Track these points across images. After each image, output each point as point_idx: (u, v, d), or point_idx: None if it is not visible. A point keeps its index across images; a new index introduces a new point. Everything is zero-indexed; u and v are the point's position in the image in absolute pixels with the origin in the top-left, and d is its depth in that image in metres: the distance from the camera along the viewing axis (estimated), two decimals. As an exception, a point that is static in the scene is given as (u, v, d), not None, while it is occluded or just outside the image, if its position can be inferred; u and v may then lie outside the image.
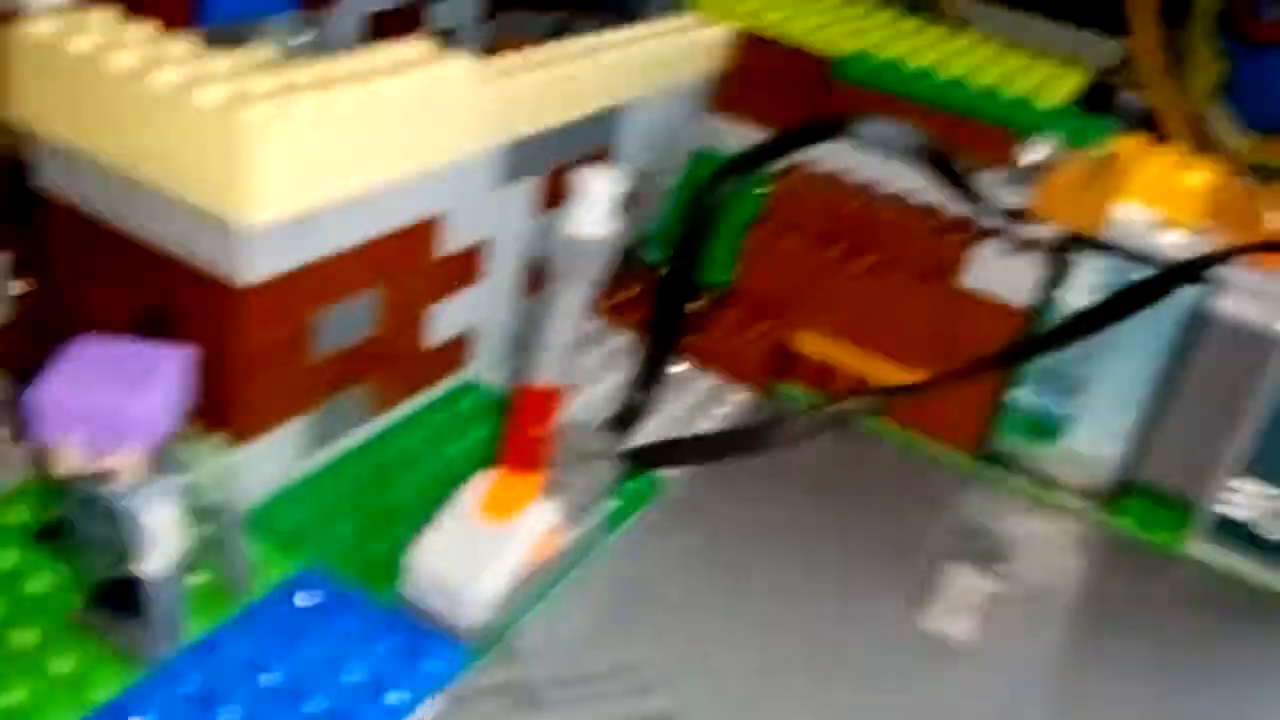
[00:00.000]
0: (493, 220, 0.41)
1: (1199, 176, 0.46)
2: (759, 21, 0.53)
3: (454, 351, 0.42)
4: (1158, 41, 0.85)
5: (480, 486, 0.33)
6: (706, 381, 0.48)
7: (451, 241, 0.39)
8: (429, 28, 0.67)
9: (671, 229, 0.56)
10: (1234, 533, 0.44)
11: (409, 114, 0.33)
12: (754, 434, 0.40)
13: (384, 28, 0.64)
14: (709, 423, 0.46)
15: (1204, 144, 0.85)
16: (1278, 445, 0.42)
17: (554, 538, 0.34)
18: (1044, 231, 0.44)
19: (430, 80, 0.34)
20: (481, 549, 0.32)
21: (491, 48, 0.41)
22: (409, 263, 0.37)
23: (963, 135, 0.47)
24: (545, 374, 0.31)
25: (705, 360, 0.49)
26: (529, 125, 0.40)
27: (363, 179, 0.32)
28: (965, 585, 0.40)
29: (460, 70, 0.35)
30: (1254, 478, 0.43)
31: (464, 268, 0.40)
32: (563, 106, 0.42)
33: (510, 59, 0.41)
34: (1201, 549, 0.45)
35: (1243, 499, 0.44)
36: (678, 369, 0.48)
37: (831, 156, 0.49)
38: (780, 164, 0.48)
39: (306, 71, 0.31)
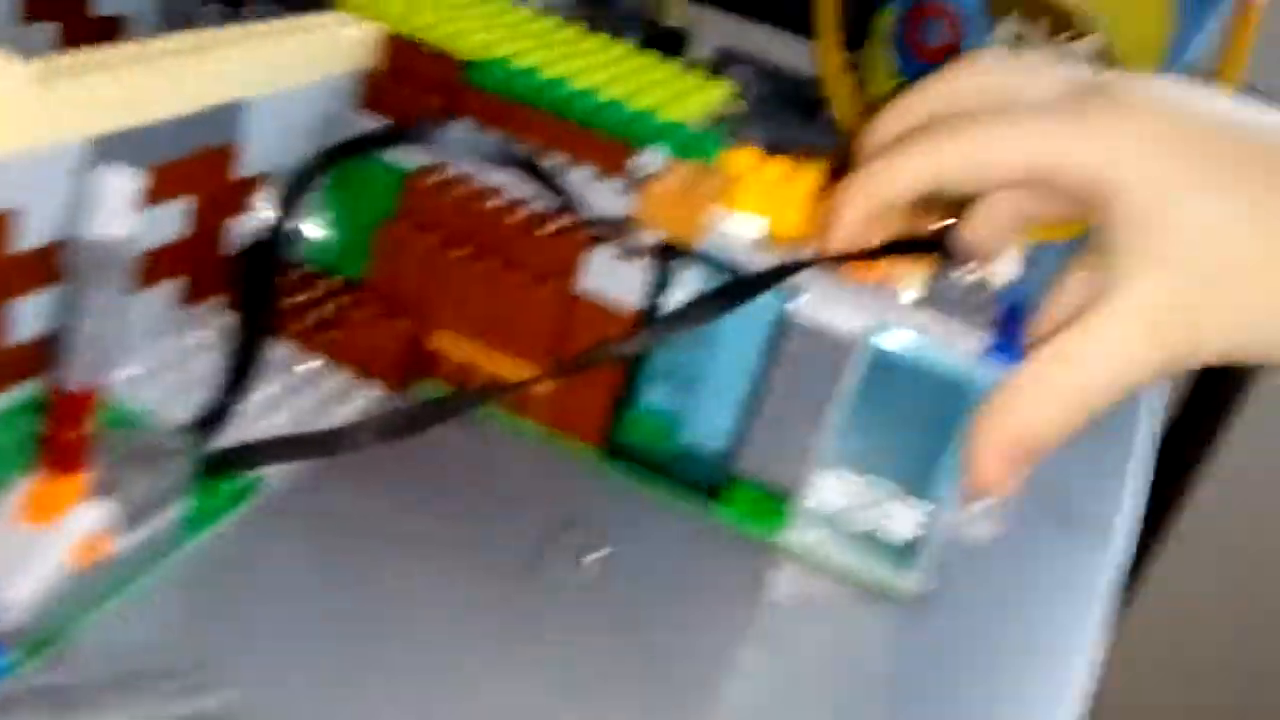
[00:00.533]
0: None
1: (803, 186, 0.49)
2: (406, 24, 0.54)
3: (38, 352, 0.41)
4: (841, 58, 0.90)
5: (20, 490, 0.33)
6: (338, 379, 0.49)
7: (26, 238, 0.38)
8: (92, 11, 0.65)
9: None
10: (825, 524, 0.48)
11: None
12: (344, 431, 0.41)
13: (38, 11, 0.62)
14: (332, 421, 0.46)
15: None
16: (854, 444, 0.46)
17: (104, 540, 0.34)
18: (648, 239, 0.46)
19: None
20: (16, 552, 0.32)
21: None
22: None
23: (581, 146, 0.49)
24: (77, 376, 0.31)
25: (339, 356, 0.49)
26: (114, 121, 0.39)
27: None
28: (557, 574, 0.42)
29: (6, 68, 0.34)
30: (833, 470, 0.47)
31: (44, 265, 0.39)
32: (163, 101, 0.42)
33: (104, 53, 0.40)
34: (796, 540, 0.48)
35: (831, 491, 0.47)
36: (309, 365, 0.49)
37: (450, 154, 0.50)
38: (414, 160, 0.49)
39: None
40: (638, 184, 0.47)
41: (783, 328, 0.46)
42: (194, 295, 0.48)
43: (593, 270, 0.47)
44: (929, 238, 0.47)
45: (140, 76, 0.40)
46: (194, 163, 0.44)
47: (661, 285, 0.47)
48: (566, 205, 0.47)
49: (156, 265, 0.45)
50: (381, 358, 0.49)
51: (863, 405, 0.46)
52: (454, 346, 0.50)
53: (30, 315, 0.40)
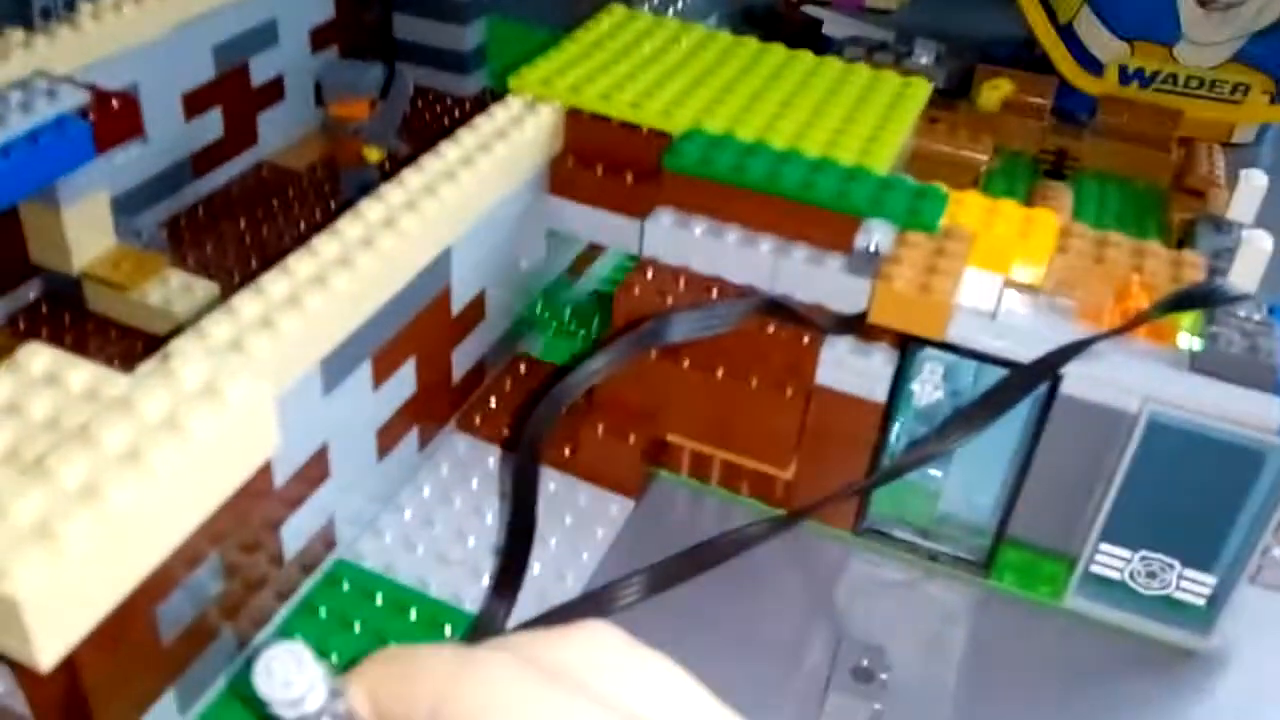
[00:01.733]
0: (331, 424, 0.40)
1: (1045, 237, 0.45)
2: (580, 97, 0.51)
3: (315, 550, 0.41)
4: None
5: None
6: (584, 493, 0.48)
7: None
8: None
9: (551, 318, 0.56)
10: (1109, 589, 0.46)
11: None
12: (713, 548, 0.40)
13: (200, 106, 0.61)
14: (601, 533, 0.46)
15: (1079, 53, 0.83)
16: (1133, 515, 0.43)
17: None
18: (890, 331, 0.43)
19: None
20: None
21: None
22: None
23: (797, 223, 0.46)
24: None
25: (578, 472, 0.49)
26: (342, 334, 0.39)
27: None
28: (845, 701, 0.42)
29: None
30: (1114, 543, 0.44)
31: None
32: (382, 288, 0.40)
33: (310, 258, 0.39)
34: (1077, 602, 0.46)
35: (1109, 559, 0.45)
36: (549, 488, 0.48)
37: (667, 251, 0.47)
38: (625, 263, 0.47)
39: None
40: (867, 261, 0.44)
41: (1055, 398, 0.43)
42: (427, 437, 0.48)
43: (830, 366, 0.45)
44: (1203, 290, 0.42)
45: (356, 282, 0.39)
46: (414, 327, 0.43)
47: (905, 375, 0.44)
48: (812, 328, 0.44)
49: (393, 431, 0.45)
50: (623, 468, 0.48)
51: (1142, 472, 0.43)
52: (686, 441, 0.49)
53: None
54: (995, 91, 0.80)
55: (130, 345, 0.52)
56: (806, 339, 0.45)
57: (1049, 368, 0.41)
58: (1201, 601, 0.44)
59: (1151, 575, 0.45)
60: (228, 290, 0.54)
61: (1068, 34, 0.84)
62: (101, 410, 0.30)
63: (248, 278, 0.57)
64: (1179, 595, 0.45)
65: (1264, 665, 0.46)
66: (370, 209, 0.42)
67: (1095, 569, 0.45)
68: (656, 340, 0.39)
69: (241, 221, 0.61)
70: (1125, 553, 0.44)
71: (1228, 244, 0.53)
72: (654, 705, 0.21)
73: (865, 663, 0.42)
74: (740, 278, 0.47)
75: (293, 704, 0.21)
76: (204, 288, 0.54)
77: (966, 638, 0.46)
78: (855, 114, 0.52)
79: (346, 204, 0.63)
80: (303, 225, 0.62)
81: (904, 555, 0.48)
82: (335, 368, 0.39)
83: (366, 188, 0.63)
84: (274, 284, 0.38)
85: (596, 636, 0.22)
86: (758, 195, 0.46)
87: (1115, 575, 0.45)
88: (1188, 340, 0.44)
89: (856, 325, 0.44)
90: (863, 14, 1.02)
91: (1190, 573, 0.44)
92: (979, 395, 0.42)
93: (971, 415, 0.41)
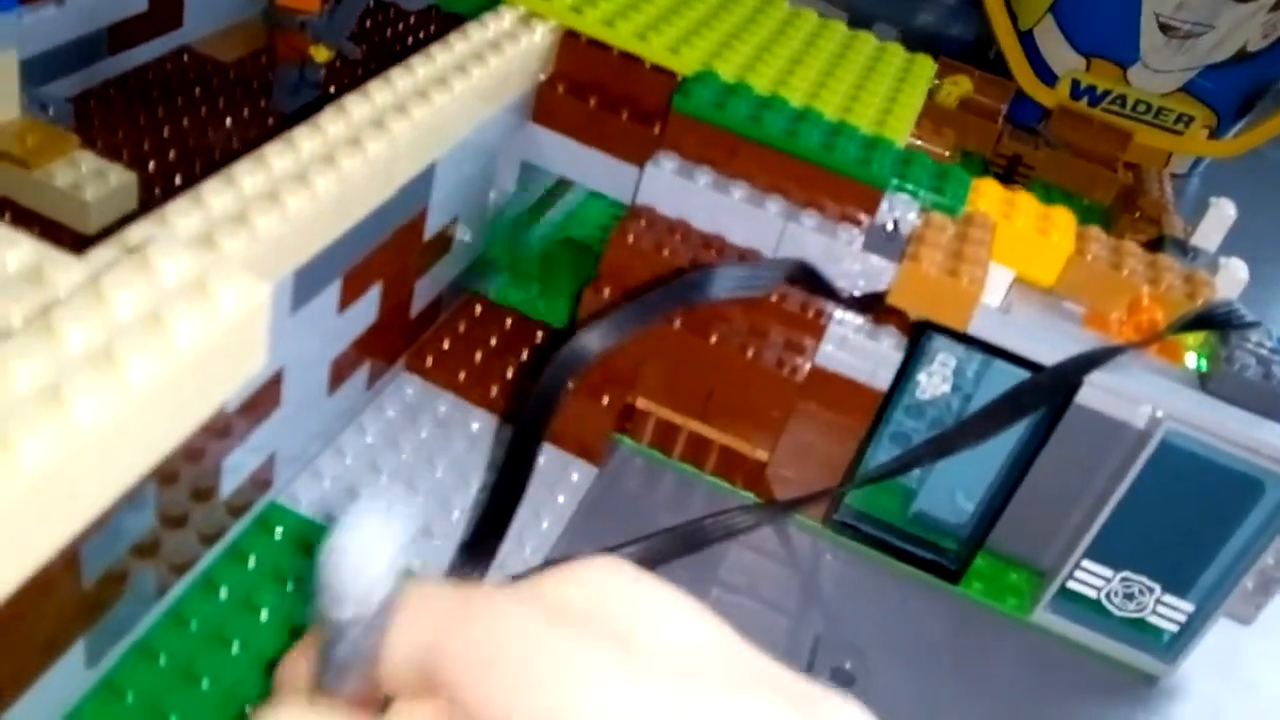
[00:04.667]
0: (292, 346, 0.34)
1: (1063, 238, 0.43)
2: (581, 19, 0.46)
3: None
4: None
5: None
6: (545, 454, 0.44)
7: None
8: None
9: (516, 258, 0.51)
10: (1081, 606, 0.44)
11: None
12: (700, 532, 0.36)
13: None
14: (562, 500, 0.42)
15: (1036, 62, 0.82)
16: (1124, 534, 0.42)
17: None
18: (902, 315, 0.41)
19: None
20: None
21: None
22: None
23: (812, 188, 0.42)
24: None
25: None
26: (321, 243, 0.33)
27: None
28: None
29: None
30: (1099, 561, 0.43)
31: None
32: (360, 202, 0.35)
33: (289, 152, 0.33)
34: (1048, 619, 0.44)
35: (1090, 577, 0.43)
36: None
37: (666, 201, 0.43)
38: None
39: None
40: (888, 239, 0.41)
41: (1067, 406, 0.40)
42: (376, 374, 0.43)
43: (835, 345, 0.41)
44: (1218, 312, 0.41)
45: (336, 186, 0.33)
46: (386, 248, 0.38)
47: (914, 364, 0.41)
48: (835, 301, 0.41)
49: (347, 362, 0.39)
50: (584, 437, 0.44)
51: (1139, 491, 0.41)
52: (659, 409, 0.45)
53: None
54: (955, 88, 0.78)
55: (43, 234, 0.45)
56: (812, 313, 0.42)
57: (1074, 374, 0.39)
58: (1175, 628, 0.43)
59: (1129, 597, 0.43)
60: (146, 182, 0.48)
61: (1027, 41, 0.83)
62: (63, 300, 0.24)
63: (165, 171, 0.51)
64: (1153, 620, 0.43)
65: (1221, 700, 0.45)
66: (356, 106, 0.36)
67: (1073, 585, 0.44)
68: (696, 296, 0.35)
69: (160, 110, 0.54)
70: (1107, 571, 0.43)
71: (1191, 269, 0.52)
72: (669, 639, 0.19)
73: (847, 665, 0.39)
74: (743, 239, 0.43)
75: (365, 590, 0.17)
76: (119, 175, 0.47)
77: (932, 644, 0.43)
78: (867, 82, 0.48)
79: (283, 105, 0.57)
80: (229, 122, 0.55)
81: (872, 552, 0.45)
82: (308, 282, 0.34)
83: (304, 89, 0.57)
84: (248, 176, 0.32)
85: (604, 572, 0.20)
86: (772, 152, 0.42)
87: (1092, 594, 0.43)
88: (1194, 360, 0.42)
89: (870, 305, 0.41)
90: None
91: (1169, 598, 0.43)
92: (1003, 394, 0.39)
93: (993, 414, 0.39)
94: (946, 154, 0.69)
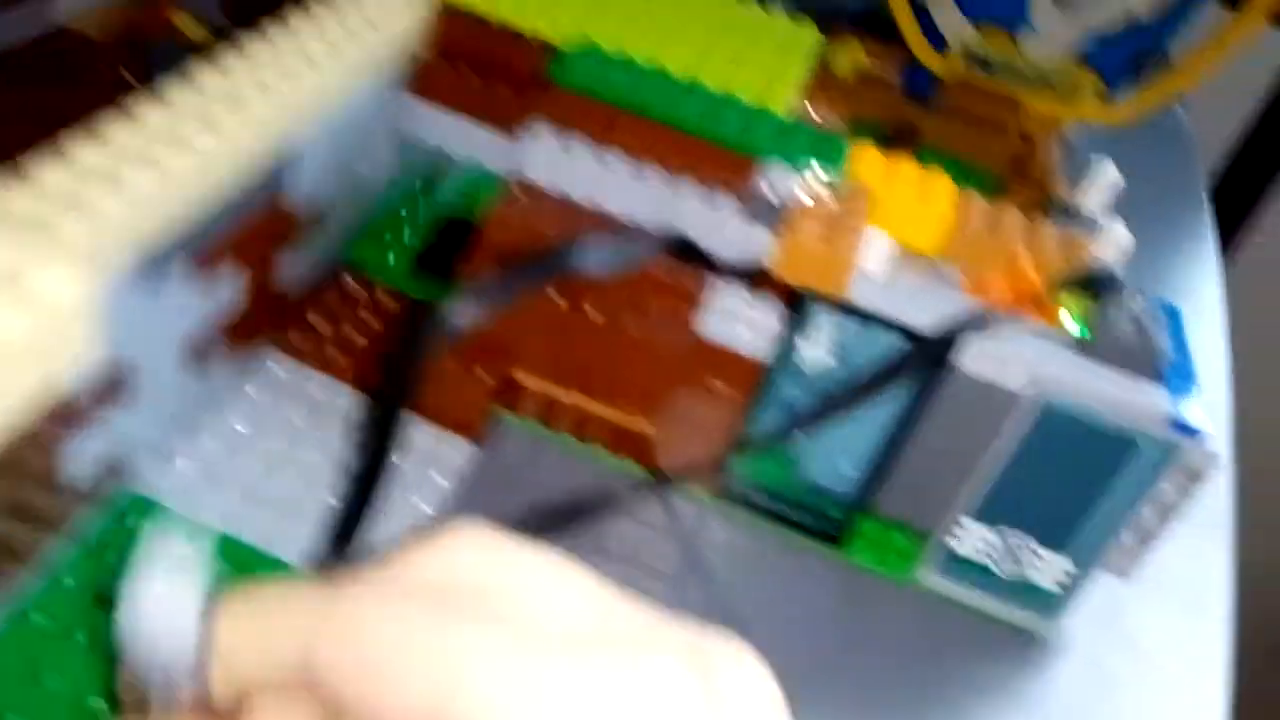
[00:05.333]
0: (141, 330, 0.33)
1: (942, 204, 0.43)
2: (459, -10, 0.45)
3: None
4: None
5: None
6: (420, 432, 0.43)
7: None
8: None
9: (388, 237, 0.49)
10: (964, 567, 0.44)
11: None
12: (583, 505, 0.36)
13: None
14: (439, 478, 0.41)
15: (927, 28, 0.83)
16: (1004, 495, 0.42)
17: None
18: (782, 284, 0.40)
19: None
20: None
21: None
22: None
23: (691, 157, 0.42)
24: None
25: (415, 408, 0.43)
26: (169, 223, 0.32)
27: None
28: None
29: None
30: (981, 522, 0.43)
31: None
32: (210, 183, 0.34)
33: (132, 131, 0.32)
34: (932, 580, 0.45)
35: (972, 538, 0.44)
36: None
37: (545, 174, 0.42)
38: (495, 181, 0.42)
39: None
40: (767, 211, 0.40)
41: (945, 372, 0.41)
42: (241, 356, 0.41)
43: (716, 316, 0.41)
44: (1095, 275, 0.41)
45: (189, 160, 0.32)
46: (247, 226, 0.37)
47: (795, 334, 0.41)
48: (712, 270, 0.40)
49: (207, 345, 0.38)
50: (462, 412, 0.43)
51: (1018, 452, 0.41)
52: (539, 385, 0.44)
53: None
54: (848, 55, 0.78)
55: None
56: (691, 284, 0.41)
57: (951, 338, 0.39)
58: (1055, 586, 0.44)
59: (1010, 556, 0.44)
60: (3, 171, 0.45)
61: (918, 7, 0.83)
62: None
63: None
64: (1034, 577, 0.44)
65: (1103, 654, 0.46)
66: (208, 79, 0.35)
67: (956, 546, 0.44)
68: (564, 269, 0.34)
69: (22, 92, 0.52)
70: (988, 531, 0.43)
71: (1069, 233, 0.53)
72: (552, 606, 0.18)
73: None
74: (625, 211, 0.42)
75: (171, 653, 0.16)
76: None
77: (818, 610, 0.44)
78: (747, 52, 0.48)
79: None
80: (101, 106, 0.53)
81: (761, 522, 0.45)
82: (154, 263, 0.32)
83: (177, 65, 0.55)
84: (85, 153, 0.30)
85: (472, 540, 0.19)
86: (652, 123, 0.42)
87: (974, 554, 0.44)
88: (1070, 323, 0.43)
89: (750, 275, 0.41)
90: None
91: (1048, 555, 0.43)
92: (879, 361, 0.39)
93: (872, 379, 0.39)
94: (838, 123, 0.69)
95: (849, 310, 0.40)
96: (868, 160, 0.44)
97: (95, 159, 0.30)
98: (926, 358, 0.39)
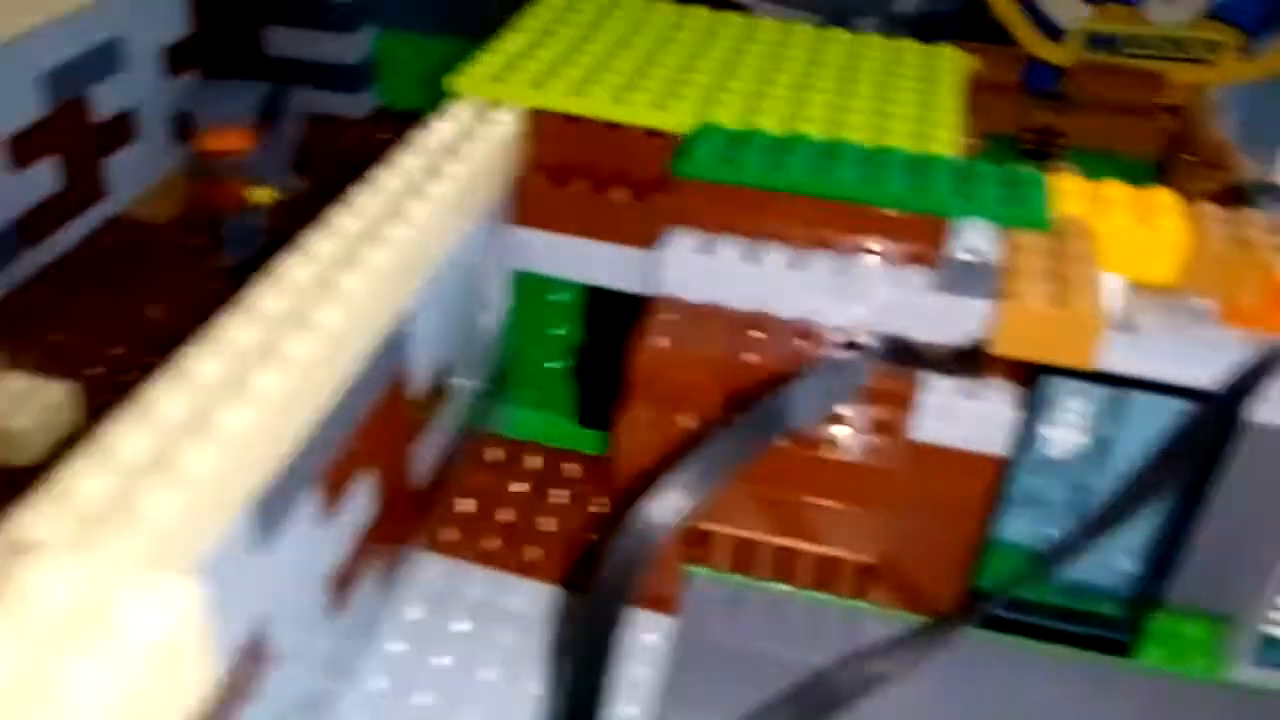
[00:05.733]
0: (270, 586, 0.27)
1: (1170, 224, 0.35)
2: (546, 94, 0.39)
3: None
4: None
5: None
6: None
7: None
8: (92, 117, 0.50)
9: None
10: (1289, 655, 0.36)
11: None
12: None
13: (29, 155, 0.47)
14: (641, 672, 0.34)
15: (1037, 19, 0.75)
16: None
17: None
18: (1008, 363, 0.33)
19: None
20: None
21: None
22: None
23: (867, 230, 0.35)
24: None
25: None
26: (281, 454, 0.26)
27: None
28: None
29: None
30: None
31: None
32: (339, 368, 0.28)
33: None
34: (1246, 673, 0.36)
35: (1295, 620, 0.35)
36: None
37: (690, 286, 0.36)
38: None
39: None
40: (967, 275, 0.33)
41: (1229, 428, 0.32)
42: (389, 571, 0.35)
43: (930, 414, 0.34)
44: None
45: (290, 377, 0.26)
46: (369, 426, 0.31)
47: (1035, 417, 0.33)
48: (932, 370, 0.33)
49: (348, 572, 0.32)
50: (651, 583, 0.36)
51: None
52: (730, 529, 0.38)
53: None
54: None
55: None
56: (895, 383, 0.34)
57: (1244, 389, 0.31)
58: None
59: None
60: (90, 392, 0.41)
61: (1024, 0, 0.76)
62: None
63: (114, 373, 0.44)
64: (1387, 659, 0.35)
65: None
66: (292, 268, 0.29)
67: (1272, 629, 0.35)
68: (782, 427, 0.27)
69: (95, 296, 0.47)
70: (1315, 611, 0.35)
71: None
72: None
73: None
74: (792, 310, 0.35)
75: None
76: (56, 392, 0.40)
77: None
78: (888, 92, 0.41)
79: (234, 264, 0.50)
80: (176, 295, 0.48)
81: (1021, 640, 0.37)
82: (271, 507, 0.26)
83: (255, 238, 0.50)
84: (164, 397, 0.25)
85: None
86: (803, 200, 0.35)
87: (1302, 639, 0.35)
88: (1368, 337, 0.34)
89: (967, 361, 0.33)
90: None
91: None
92: (1173, 437, 0.32)
93: (1164, 463, 0.31)
94: (972, 143, 0.61)
95: (1099, 379, 0.32)
96: (1069, 190, 0.36)
97: (174, 403, 0.24)
98: (1220, 420, 0.31)
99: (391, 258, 0.30)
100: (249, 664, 0.27)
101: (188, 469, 0.23)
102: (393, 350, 0.32)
